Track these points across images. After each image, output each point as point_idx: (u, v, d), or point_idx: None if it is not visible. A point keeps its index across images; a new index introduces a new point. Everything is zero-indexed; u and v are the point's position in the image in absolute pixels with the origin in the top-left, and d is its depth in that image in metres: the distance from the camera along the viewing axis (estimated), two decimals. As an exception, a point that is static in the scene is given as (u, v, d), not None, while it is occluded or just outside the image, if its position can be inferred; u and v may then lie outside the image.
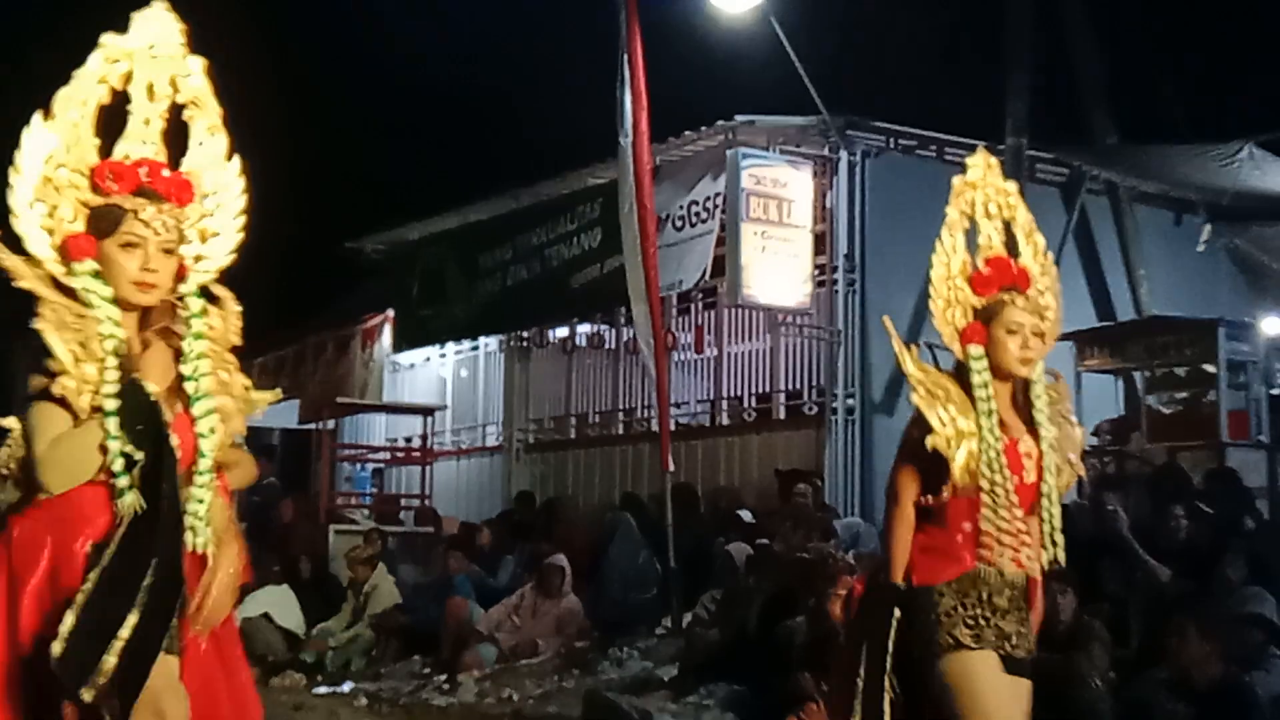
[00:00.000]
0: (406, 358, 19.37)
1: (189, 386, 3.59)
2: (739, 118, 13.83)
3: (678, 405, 15.11)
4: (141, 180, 3.58)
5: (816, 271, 13.91)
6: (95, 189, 3.57)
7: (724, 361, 15.32)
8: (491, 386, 18.22)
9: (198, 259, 3.72)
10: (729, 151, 13.68)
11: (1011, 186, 4.82)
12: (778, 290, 13.69)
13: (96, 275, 3.52)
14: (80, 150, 3.59)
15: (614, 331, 16.63)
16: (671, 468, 11.90)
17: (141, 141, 3.66)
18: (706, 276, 14.02)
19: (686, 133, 14.29)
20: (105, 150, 3.64)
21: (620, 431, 16.31)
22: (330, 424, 17.41)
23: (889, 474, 4.62)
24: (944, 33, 19.26)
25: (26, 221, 3.53)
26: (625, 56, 11.57)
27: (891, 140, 14.17)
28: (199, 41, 3.77)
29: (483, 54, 24.55)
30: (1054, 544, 4.47)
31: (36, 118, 3.56)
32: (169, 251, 3.58)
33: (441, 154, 23.31)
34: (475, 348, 18.50)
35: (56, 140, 3.55)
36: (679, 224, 14.32)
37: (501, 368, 17.99)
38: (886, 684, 4.39)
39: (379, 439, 19.36)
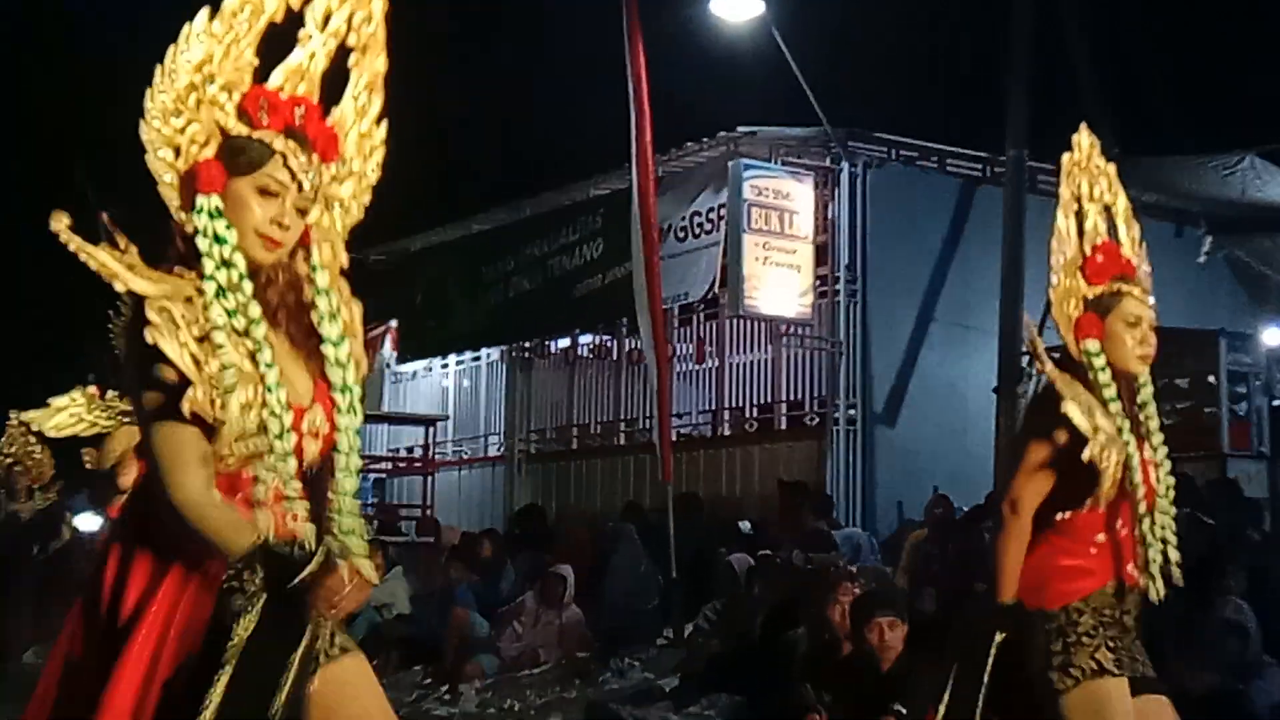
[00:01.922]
0: (408, 368, 19.39)
1: (329, 353, 3.05)
2: (741, 129, 13.87)
3: (679, 416, 15.12)
4: (295, 121, 3.03)
5: (818, 282, 13.94)
6: (242, 116, 3.01)
7: (726, 372, 15.33)
8: (493, 397, 18.23)
9: (313, 226, 3.14)
10: (730, 162, 13.72)
11: (1111, 169, 4.42)
12: (779, 301, 13.72)
13: (221, 216, 2.94)
14: (237, 66, 3.02)
15: (616, 342, 16.65)
16: (663, 479, 11.89)
17: (301, 75, 3.13)
18: (715, 288, 14.04)
19: (689, 143, 14.33)
20: (262, 74, 3.10)
21: (622, 442, 16.32)
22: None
23: (1010, 485, 4.09)
24: (945, 44, 19.30)
25: (159, 131, 2.95)
26: (630, 66, 11.59)
27: (893, 151, 14.20)
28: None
29: (485, 65, 24.61)
30: (1175, 561, 4.14)
31: (201, 15, 2.98)
32: (303, 211, 3.03)
33: (444, 165, 23.33)
34: (477, 358, 18.51)
35: (217, 50, 2.98)
36: (681, 235, 14.35)
37: (504, 378, 18.00)
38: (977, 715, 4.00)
39: (381, 449, 19.37)
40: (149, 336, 2.79)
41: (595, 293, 15.32)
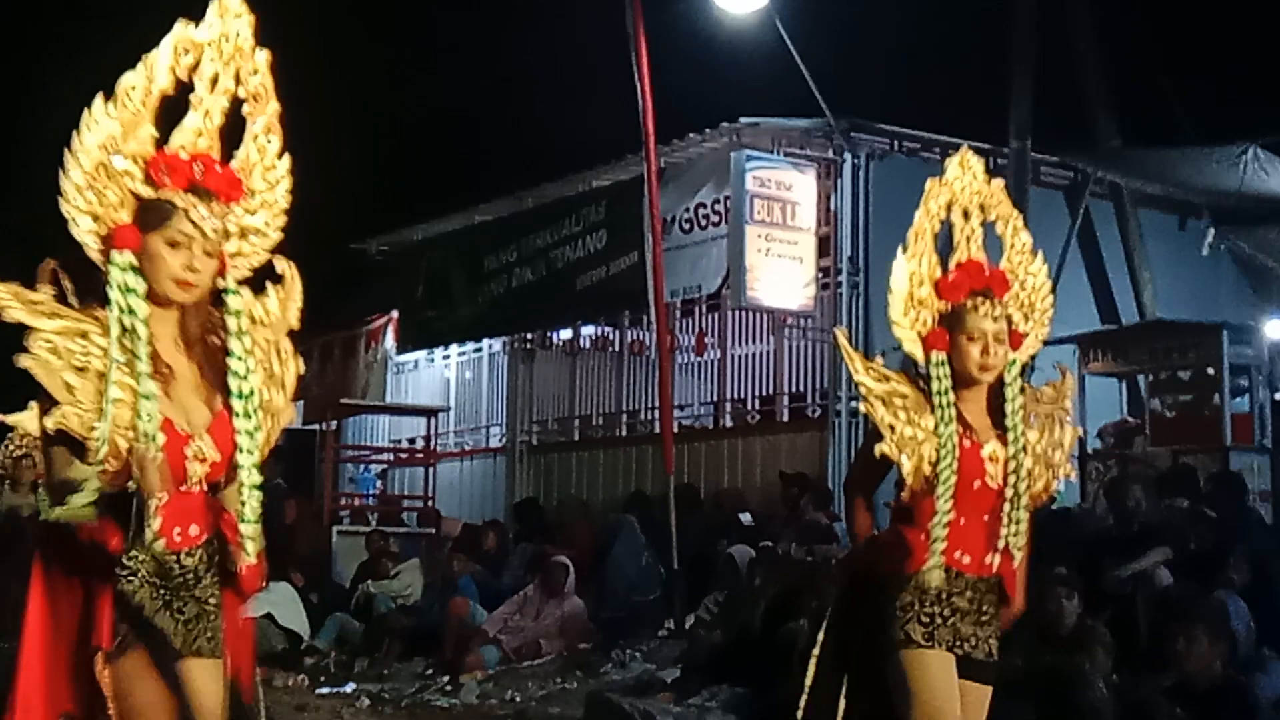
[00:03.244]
0: (410, 359, 19.38)
1: (235, 386, 3.52)
2: (743, 120, 13.85)
3: (681, 407, 15.11)
4: (195, 177, 3.48)
5: (820, 274, 13.92)
6: (148, 180, 3.46)
7: (728, 364, 15.32)
8: (495, 388, 18.22)
9: (235, 255, 3.64)
10: (733, 154, 13.70)
11: (996, 185, 4.76)
12: (781, 293, 13.71)
13: (135, 269, 3.41)
14: (138, 138, 3.47)
15: (618, 333, 16.64)
16: (672, 470, 11.90)
17: (198, 134, 3.56)
18: (726, 282, 13.99)
19: (691, 135, 14.30)
20: (161, 138, 3.54)
21: (624, 433, 16.31)
22: (334, 425, 17.41)
23: (846, 478, 4.83)
24: (948, 35, 19.27)
25: (76, 205, 3.42)
26: (633, 58, 11.58)
27: (896, 143, 14.18)
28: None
29: (488, 55, 24.57)
30: (1018, 546, 4.46)
31: (98, 100, 3.44)
32: (210, 253, 3.48)
33: (447, 155, 23.32)
34: (479, 349, 18.50)
35: (117, 126, 3.44)
36: (686, 226, 14.33)
37: (505, 369, 17.98)
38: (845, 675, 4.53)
39: (382, 440, 19.38)
40: (20, 362, 3.27)
41: (598, 284, 15.31)
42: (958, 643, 4.35)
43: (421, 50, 23.15)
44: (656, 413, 14.51)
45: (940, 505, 4.32)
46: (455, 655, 11.09)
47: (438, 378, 19.26)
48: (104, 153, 3.43)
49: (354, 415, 18.74)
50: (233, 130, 3.66)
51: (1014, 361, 4.52)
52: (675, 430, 12.93)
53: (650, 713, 8.25)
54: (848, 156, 13.86)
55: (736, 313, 14.94)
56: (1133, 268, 15.07)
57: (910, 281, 4.61)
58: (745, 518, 12.52)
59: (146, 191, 3.46)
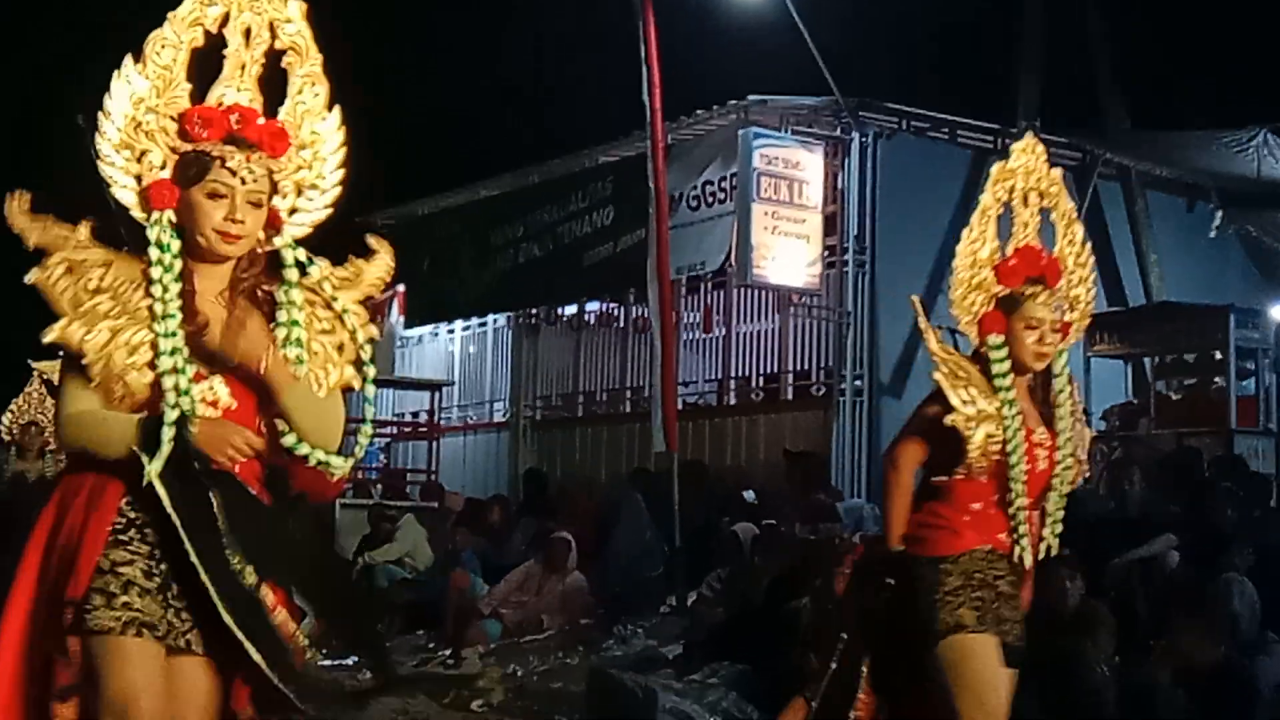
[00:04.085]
0: (415, 333, 19.38)
1: (281, 335, 3.46)
2: (751, 97, 13.82)
3: (685, 385, 15.10)
4: (232, 127, 3.41)
5: (826, 252, 13.90)
6: (184, 135, 3.42)
7: (733, 341, 15.31)
8: (499, 363, 18.22)
9: (292, 211, 3.57)
10: (741, 131, 13.66)
11: (1056, 174, 4.78)
12: (787, 271, 13.69)
13: (171, 226, 3.39)
14: (171, 95, 3.44)
15: (623, 309, 16.62)
16: (663, 447, 11.88)
17: (237, 88, 3.49)
18: (731, 259, 13.98)
19: (699, 112, 14.27)
20: (199, 96, 3.49)
21: (628, 410, 16.31)
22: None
23: (891, 444, 4.68)
24: (958, 15, 19.20)
25: (113, 166, 3.41)
26: (641, 35, 11.54)
27: (904, 122, 14.13)
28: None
29: (495, 30, 24.50)
30: (1054, 535, 4.51)
31: (127, 60, 3.41)
32: (257, 203, 3.40)
33: (453, 129, 23.27)
34: (484, 324, 18.49)
35: (147, 84, 3.41)
36: (693, 203, 14.30)
37: (510, 344, 17.98)
38: (864, 659, 4.47)
39: (386, 414, 19.38)
40: (29, 278, 3.28)
41: (604, 260, 15.29)
42: (1001, 626, 4.37)
43: (429, 25, 23.11)
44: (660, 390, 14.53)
45: (1015, 487, 4.34)
46: (457, 629, 11.10)
47: (442, 352, 19.27)
48: (137, 111, 3.40)
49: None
50: (279, 91, 3.60)
51: (1062, 351, 4.57)
52: (679, 407, 12.93)
53: (652, 688, 8.25)
54: (855, 135, 13.82)
55: (742, 290, 14.91)
56: (1140, 250, 15.04)
57: (971, 263, 4.63)
58: (749, 495, 12.52)
59: (184, 147, 3.41)
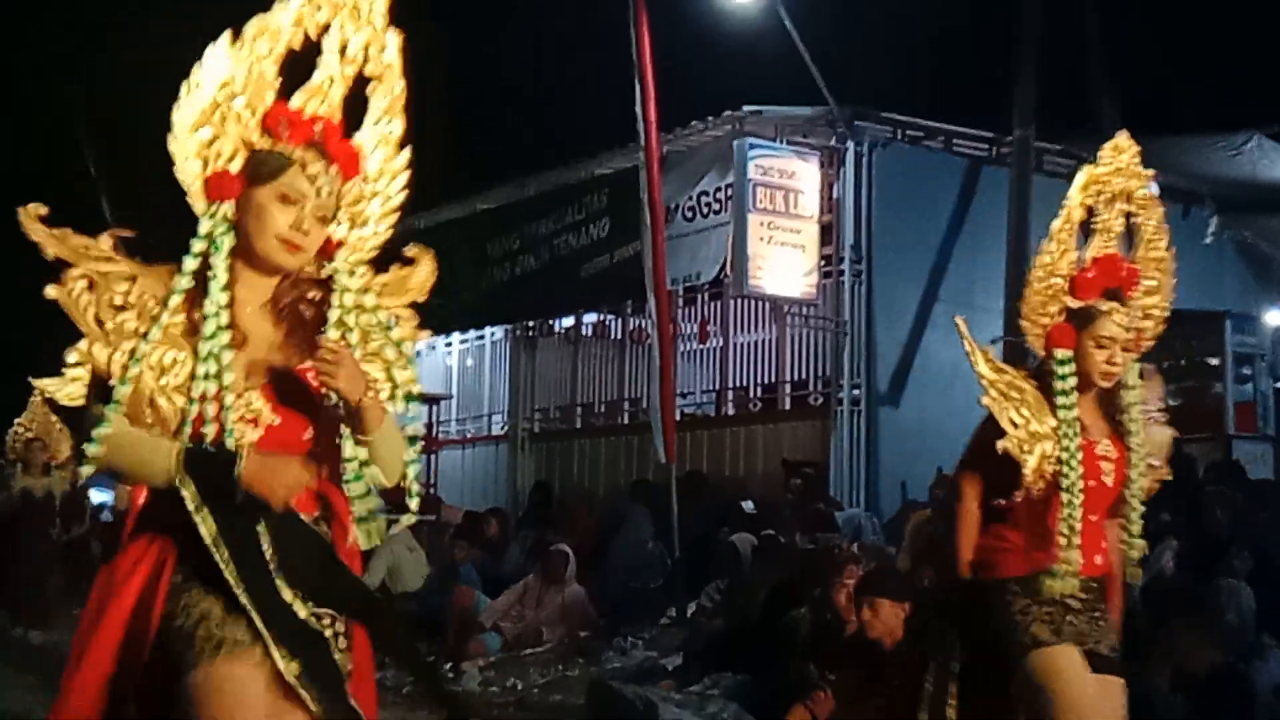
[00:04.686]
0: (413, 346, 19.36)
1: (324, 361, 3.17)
2: (747, 108, 13.85)
3: (684, 395, 15.11)
4: (314, 135, 3.20)
5: (823, 262, 13.92)
6: (265, 131, 3.19)
7: (730, 352, 15.32)
8: (497, 375, 18.24)
9: (340, 244, 3.33)
10: (736, 142, 13.69)
11: (1145, 174, 4.57)
12: (784, 281, 13.71)
13: (228, 223, 3.15)
14: (258, 86, 3.20)
15: (620, 321, 16.63)
16: (666, 460, 11.88)
17: (320, 99, 3.28)
18: (726, 269, 14.00)
19: (694, 123, 14.30)
20: (281, 97, 3.27)
21: (625, 421, 16.32)
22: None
23: (955, 471, 4.56)
24: (952, 24, 19.24)
25: (185, 144, 3.16)
26: (635, 46, 11.56)
27: (899, 131, 14.17)
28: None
29: (491, 43, 24.55)
30: (1133, 546, 4.40)
31: (225, 38, 3.17)
32: (323, 219, 3.20)
33: (449, 142, 23.30)
34: (481, 336, 18.51)
35: (239, 68, 3.17)
36: (689, 214, 14.32)
37: (507, 356, 18.00)
38: (951, 689, 4.37)
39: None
40: (48, 293, 3.06)
41: (601, 272, 15.31)
42: (1080, 638, 4.27)
43: (424, 36, 23.11)
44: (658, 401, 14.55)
45: (1070, 508, 4.20)
46: (457, 642, 11.09)
47: (440, 365, 19.27)
48: (222, 92, 3.17)
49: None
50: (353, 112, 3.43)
51: (1134, 365, 4.44)
52: (677, 418, 12.93)
53: (651, 700, 8.24)
54: (850, 145, 13.85)
55: (739, 301, 14.94)
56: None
57: (1049, 273, 4.39)
58: (747, 505, 12.52)
59: (263, 143, 3.19)
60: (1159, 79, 15.81)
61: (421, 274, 3.51)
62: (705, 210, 14.22)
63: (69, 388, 5.77)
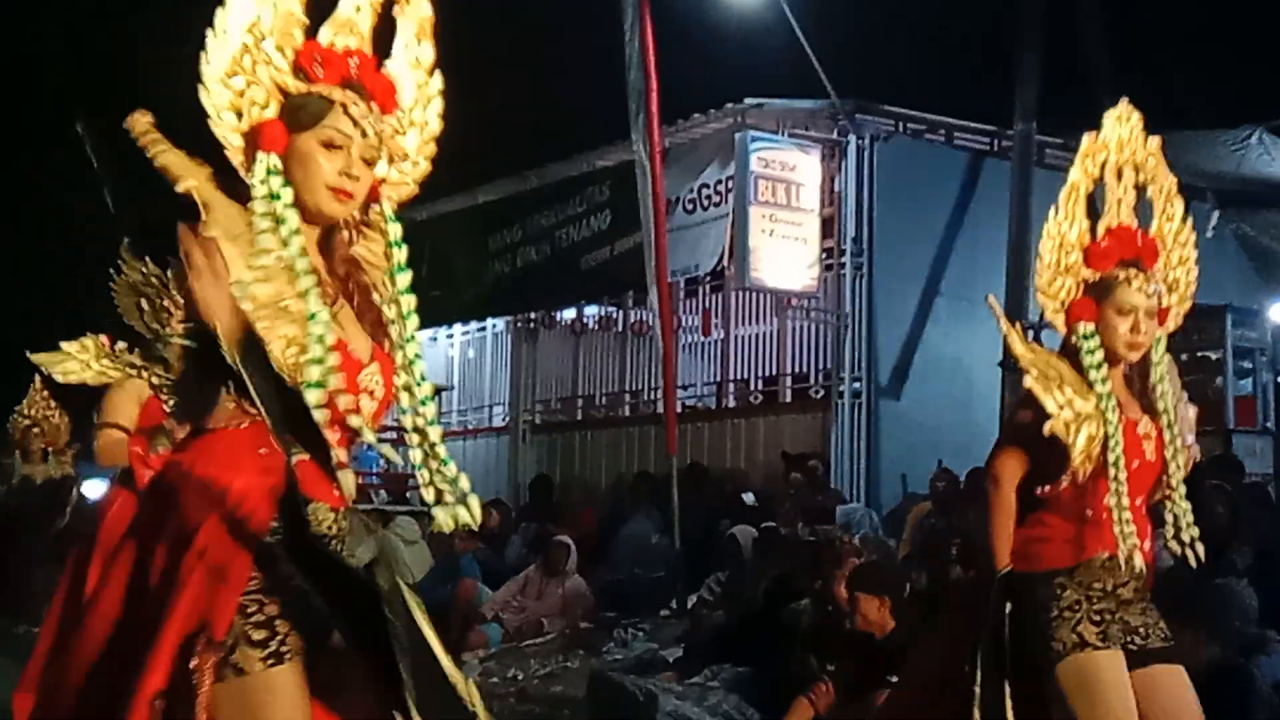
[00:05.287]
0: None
1: (395, 331, 3.09)
2: (748, 101, 13.85)
3: (684, 388, 15.12)
4: (351, 72, 3.01)
5: (824, 255, 13.93)
6: (297, 72, 2.98)
7: (731, 344, 15.33)
8: (498, 367, 18.25)
9: (382, 183, 3.13)
10: (737, 135, 13.69)
11: (1154, 143, 4.39)
12: (785, 273, 13.71)
13: (279, 174, 2.93)
14: (286, 25, 2.98)
15: (622, 313, 16.64)
16: (667, 451, 11.91)
17: (349, 31, 3.08)
18: (724, 261, 14.02)
19: (696, 115, 14.30)
20: (310, 34, 3.07)
21: (627, 413, 16.33)
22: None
23: (989, 458, 4.29)
24: (954, 17, 19.22)
25: (218, 96, 2.93)
26: (636, 39, 11.56)
27: (900, 124, 14.17)
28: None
29: (491, 34, 24.52)
30: (1186, 527, 4.18)
31: None
32: (371, 161, 3.02)
33: (450, 133, 23.29)
34: (482, 328, 18.51)
35: (266, 8, 2.95)
36: (689, 207, 14.33)
37: (509, 349, 18.01)
38: (1006, 687, 4.11)
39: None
40: (207, 232, 2.79)
41: (603, 264, 15.31)
42: (1129, 637, 4.10)
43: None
44: (660, 393, 14.55)
45: (1118, 487, 4.00)
46: (458, 633, 11.11)
47: (441, 357, 19.27)
48: (250, 36, 2.95)
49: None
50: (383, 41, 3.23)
51: (1160, 339, 4.27)
52: (678, 410, 12.95)
53: (653, 691, 8.26)
54: (852, 138, 13.85)
55: (740, 293, 14.95)
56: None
57: (1058, 245, 4.21)
58: (748, 498, 12.54)
59: (297, 86, 2.99)
60: (1161, 72, 15.80)
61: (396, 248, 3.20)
62: (706, 203, 14.23)
63: (66, 364, 5.71)
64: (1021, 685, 4.10)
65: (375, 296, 3.09)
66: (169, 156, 2.86)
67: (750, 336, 15.26)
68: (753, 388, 15.20)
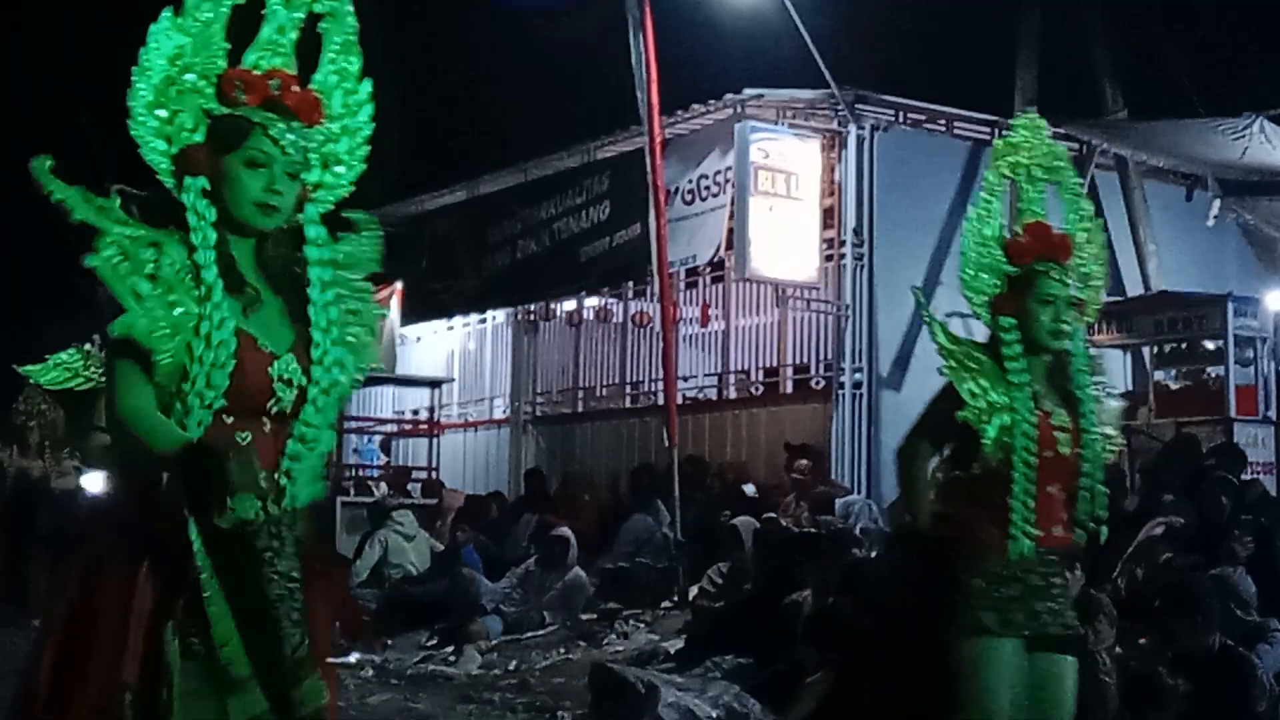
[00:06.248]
0: (414, 330, 19.38)
1: (315, 317, 3.28)
2: (748, 91, 13.81)
3: (685, 379, 15.11)
4: (272, 93, 3.22)
5: (824, 245, 13.90)
6: (221, 97, 3.21)
7: (731, 335, 15.31)
8: (499, 359, 18.23)
9: (317, 186, 3.37)
10: (737, 125, 13.66)
11: (1061, 149, 4.68)
12: (785, 264, 13.69)
13: (205, 194, 3.17)
14: (209, 54, 3.22)
15: (622, 305, 16.63)
16: (668, 443, 11.89)
17: (273, 51, 3.31)
18: (721, 251, 14.00)
19: (695, 106, 14.27)
20: (233, 58, 3.29)
21: (627, 405, 16.32)
22: (338, 396, 17.38)
23: (905, 436, 4.53)
24: (954, 6, 19.18)
25: (145, 126, 3.17)
26: (637, 29, 11.54)
27: (900, 114, 14.14)
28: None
29: (491, 25, 24.49)
30: (1097, 520, 4.36)
31: (166, 13, 3.18)
32: (294, 175, 3.24)
33: (449, 126, 23.27)
34: (483, 320, 18.50)
35: (186, 40, 3.18)
36: (689, 198, 14.30)
37: (509, 340, 18.00)
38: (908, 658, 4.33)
39: (387, 411, 19.39)
40: (86, 261, 3.04)
41: (602, 255, 15.29)
42: (1029, 623, 4.24)
43: (423, 19, 23.07)
44: (660, 384, 14.54)
45: (1021, 477, 4.20)
46: (458, 625, 11.12)
47: (442, 349, 19.27)
48: (173, 68, 3.18)
49: (359, 386, 18.70)
50: (309, 58, 3.44)
51: (1078, 331, 4.45)
52: (679, 402, 12.94)
53: (653, 683, 8.26)
54: (852, 128, 13.82)
55: (740, 284, 14.92)
56: (1138, 239, 15.03)
57: (979, 243, 4.48)
58: (749, 489, 12.54)
59: (221, 110, 3.22)
60: (1161, 61, 15.76)
61: (371, 243, 3.48)
62: (705, 193, 14.21)
63: (52, 374, 5.81)
64: (924, 658, 4.29)
65: (311, 288, 3.30)
66: (65, 192, 3.07)
67: (751, 327, 15.24)
68: (753, 379, 15.19)
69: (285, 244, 3.31)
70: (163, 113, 3.19)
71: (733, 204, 13.71)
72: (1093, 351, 4.55)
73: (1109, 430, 4.45)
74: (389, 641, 11.47)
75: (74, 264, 3.11)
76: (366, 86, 3.44)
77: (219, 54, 3.25)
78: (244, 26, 3.32)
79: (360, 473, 17.66)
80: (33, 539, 12.07)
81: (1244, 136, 13.22)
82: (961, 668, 4.20)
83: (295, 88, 3.28)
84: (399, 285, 18.80)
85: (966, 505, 4.32)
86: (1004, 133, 4.88)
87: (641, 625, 10.66)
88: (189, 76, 3.20)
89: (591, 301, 17.11)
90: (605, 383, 16.85)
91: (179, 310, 3.09)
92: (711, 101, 14.16)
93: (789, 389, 14.71)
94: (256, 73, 3.26)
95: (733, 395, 15.27)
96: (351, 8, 3.43)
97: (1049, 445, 4.27)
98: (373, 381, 18.68)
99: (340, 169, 3.43)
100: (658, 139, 11.71)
